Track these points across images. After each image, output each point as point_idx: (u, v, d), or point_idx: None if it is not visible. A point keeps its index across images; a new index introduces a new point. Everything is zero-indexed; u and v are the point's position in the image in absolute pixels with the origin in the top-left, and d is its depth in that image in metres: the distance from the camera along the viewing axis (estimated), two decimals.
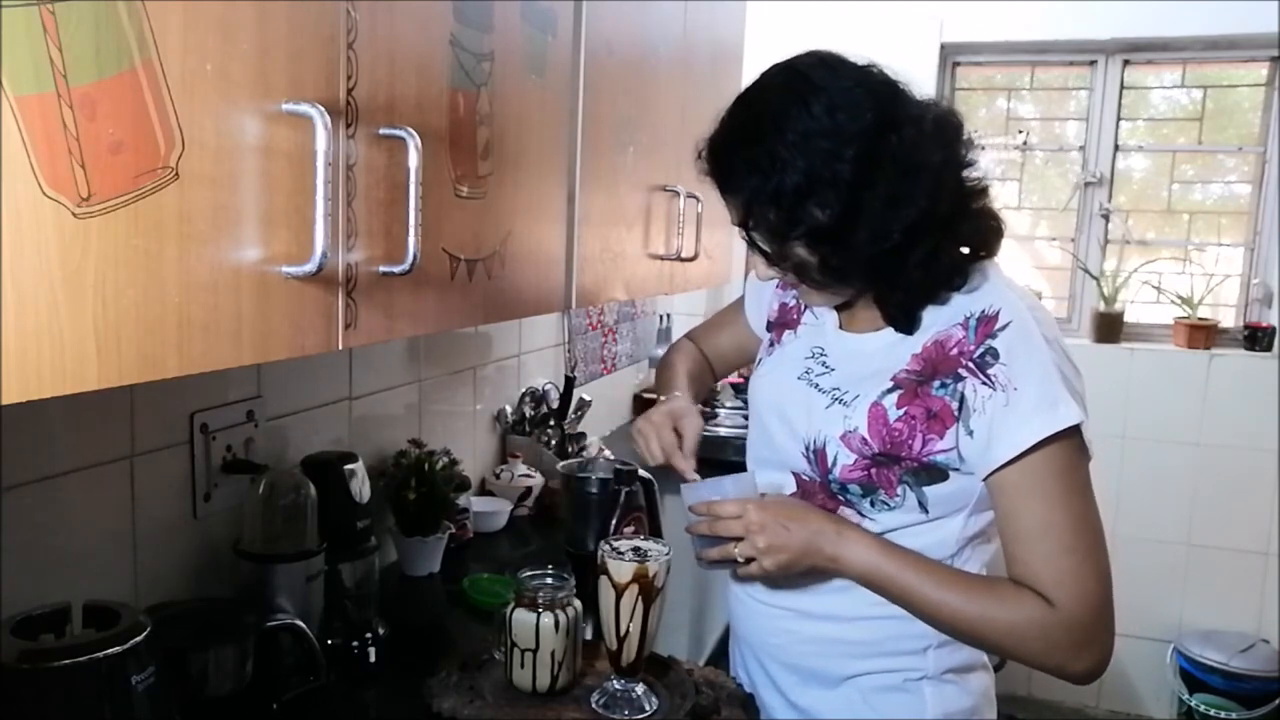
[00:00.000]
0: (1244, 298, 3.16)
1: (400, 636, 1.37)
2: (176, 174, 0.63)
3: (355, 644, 1.28)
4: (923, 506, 1.04)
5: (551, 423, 2.21)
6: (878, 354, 1.06)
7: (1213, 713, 2.93)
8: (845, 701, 1.12)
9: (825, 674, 1.12)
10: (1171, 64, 3.15)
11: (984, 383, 0.97)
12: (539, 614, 1.11)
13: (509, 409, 2.17)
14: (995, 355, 0.98)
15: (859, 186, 0.93)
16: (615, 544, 1.12)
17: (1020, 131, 3.29)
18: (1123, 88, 3.16)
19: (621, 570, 1.08)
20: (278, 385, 1.42)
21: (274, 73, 0.71)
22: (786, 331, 1.21)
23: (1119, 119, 3.18)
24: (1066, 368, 0.99)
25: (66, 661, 0.83)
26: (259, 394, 1.38)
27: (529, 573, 1.17)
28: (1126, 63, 3.14)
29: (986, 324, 0.99)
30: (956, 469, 1.01)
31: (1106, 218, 3.22)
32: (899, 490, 1.03)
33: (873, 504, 1.05)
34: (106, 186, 0.58)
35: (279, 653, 1.15)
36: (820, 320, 1.17)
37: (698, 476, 1.14)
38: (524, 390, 2.24)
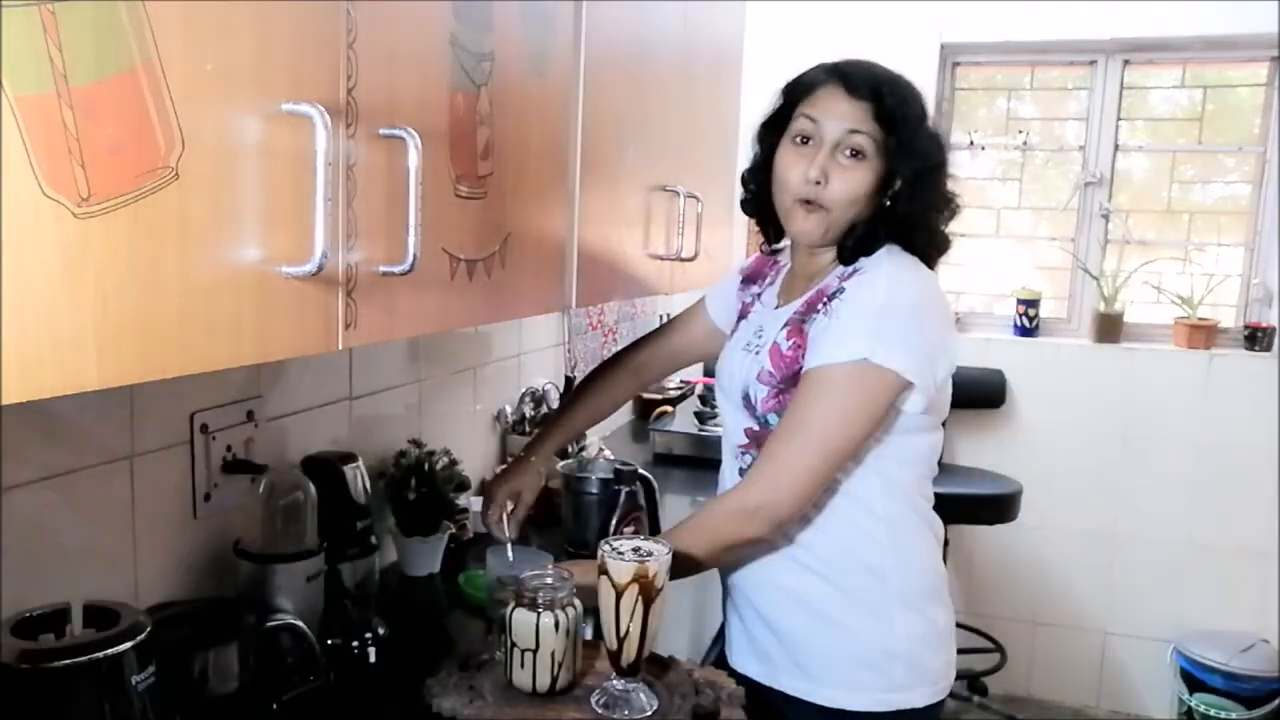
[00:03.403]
0: (1244, 298, 3.16)
1: (400, 636, 1.37)
2: (176, 174, 0.63)
3: (355, 644, 1.28)
4: None
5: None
6: (785, 313, 1.28)
7: (1213, 713, 2.93)
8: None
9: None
10: (1171, 64, 3.15)
11: (824, 314, 1.19)
12: (539, 614, 1.11)
13: (509, 409, 2.17)
14: (841, 293, 1.20)
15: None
16: (615, 544, 1.12)
17: (1020, 131, 3.29)
18: (1123, 88, 3.16)
19: (621, 570, 1.08)
20: (278, 385, 1.42)
21: (274, 73, 0.71)
22: (741, 321, 1.42)
23: (1119, 119, 3.18)
24: (898, 322, 1.17)
25: (66, 661, 0.83)
26: (259, 394, 1.38)
27: (529, 573, 1.16)
28: (1126, 63, 3.14)
29: (852, 273, 1.22)
30: None
31: (1106, 218, 3.22)
32: None
33: None
34: (106, 186, 0.58)
35: (279, 653, 1.15)
36: (764, 305, 1.38)
37: (508, 545, 1.43)
38: (524, 390, 2.24)
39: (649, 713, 1.10)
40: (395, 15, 0.85)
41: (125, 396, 1.15)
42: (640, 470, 1.43)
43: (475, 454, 2.04)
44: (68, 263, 0.56)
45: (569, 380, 2.30)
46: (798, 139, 1.23)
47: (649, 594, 1.08)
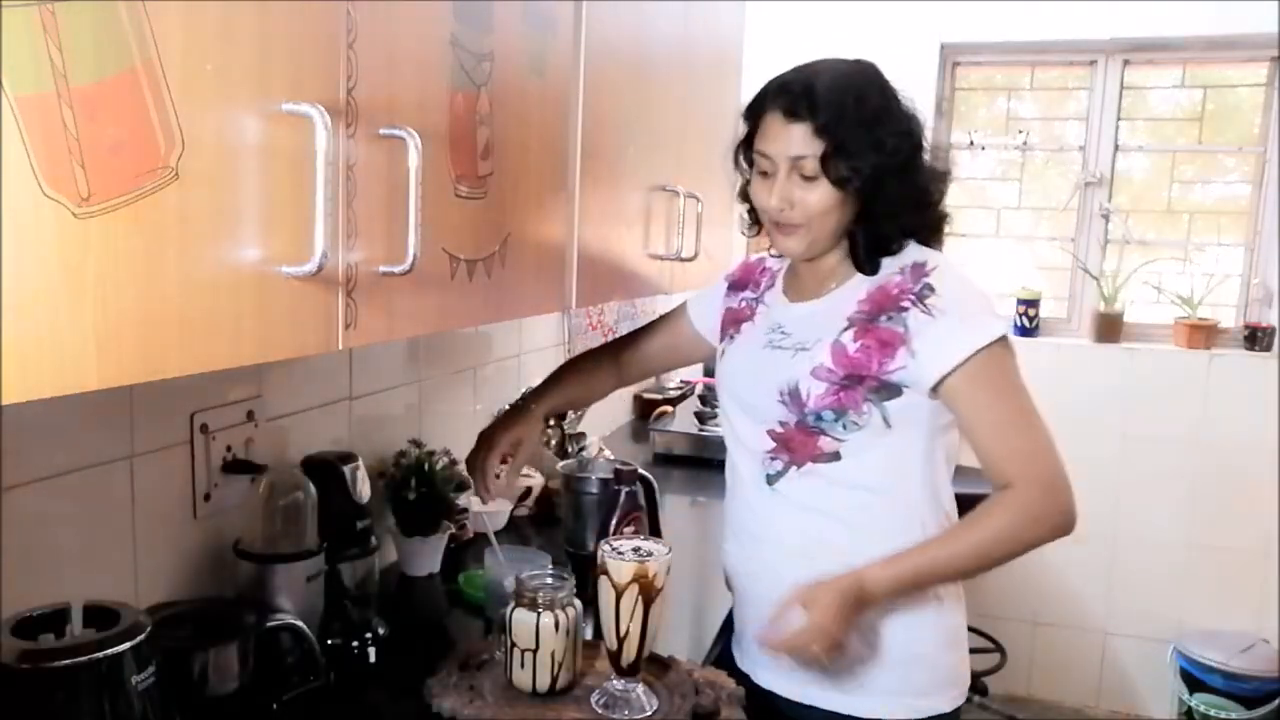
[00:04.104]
0: (1244, 298, 3.16)
1: (400, 636, 1.37)
2: (176, 174, 0.63)
3: (355, 644, 1.28)
4: (885, 421, 1.20)
5: (551, 423, 2.21)
6: (824, 310, 1.26)
7: (1213, 713, 2.93)
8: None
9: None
10: (1171, 64, 3.15)
11: (923, 312, 1.17)
12: (539, 614, 1.11)
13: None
14: (931, 289, 1.18)
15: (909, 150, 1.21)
16: (615, 544, 1.12)
17: (1020, 131, 3.29)
18: (1123, 88, 3.16)
19: (621, 570, 1.08)
20: (278, 385, 1.42)
21: (274, 73, 0.71)
22: (743, 324, 1.39)
23: (1119, 119, 3.18)
24: (984, 298, 1.22)
25: (66, 661, 0.83)
26: (259, 394, 1.38)
27: (529, 572, 1.16)
28: (1126, 63, 3.14)
29: (919, 269, 1.21)
30: (909, 386, 1.18)
31: (1106, 218, 3.22)
32: (865, 407, 1.19)
33: (844, 426, 1.20)
34: (106, 186, 0.58)
35: (279, 653, 1.15)
36: (771, 306, 1.36)
37: (488, 506, 1.46)
38: (524, 390, 2.23)
39: (649, 713, 1.10)
40: (395, 15, 0.85)
41: (125, 396, 1.15)
42: (640, 470, 1.43)
43: None
44: (68, 263, 0.56)
45: None
46: (760, 172, 1.24)
47: (649, 594, 1.08)
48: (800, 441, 1.23)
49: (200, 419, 1.27)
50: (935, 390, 1.17)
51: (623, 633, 1.09)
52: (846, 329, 1.22)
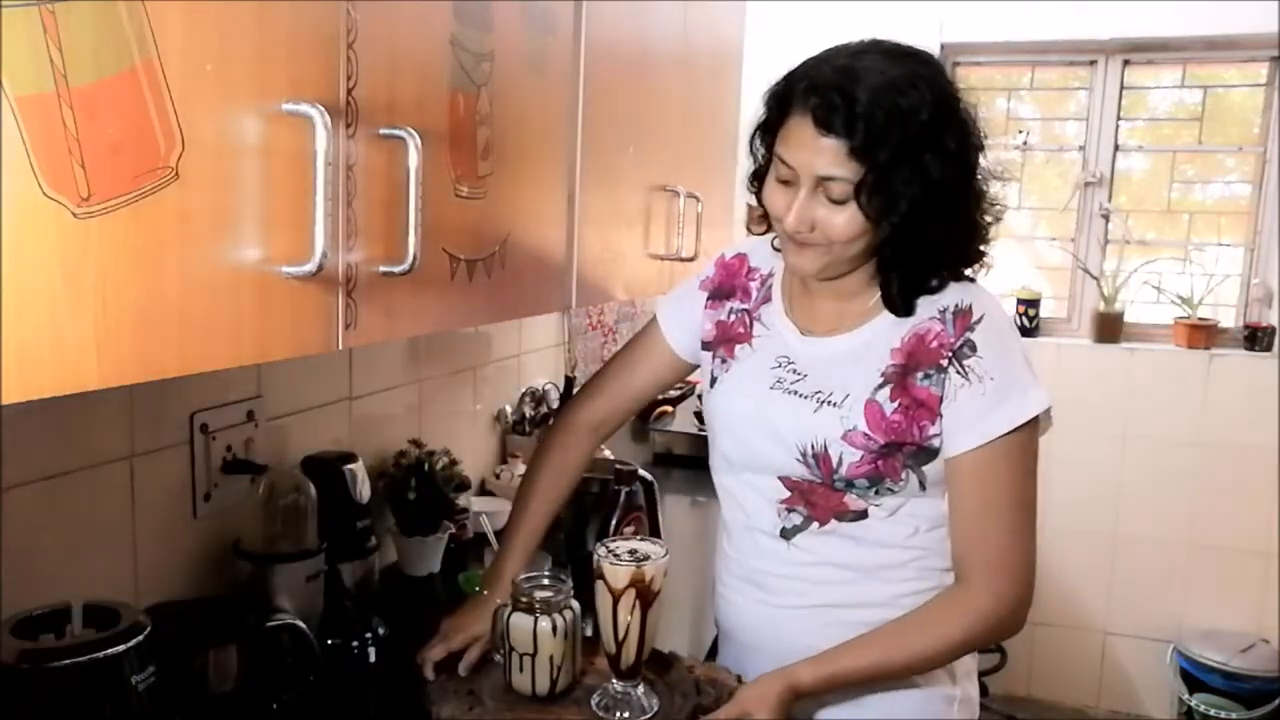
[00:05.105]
0: (1244, 298, 3.16)
1: (400, 636, 1.37)
2: (176, 174, 0.63)
3: (355, 644, 1.28)
4: (922, 484, 1.10)
5: (551, 423, 2.21)
6: (848, 354, 1.11)
7: (1213, 713, 2.93)
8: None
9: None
10: (1171, 64, 3.15)
11: (959, 373, 1.05)
12: (536, 618, 1.11)
13: (509, 409, 2.17)
14: (973, 348, 1.06)
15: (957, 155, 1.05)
16: (611, 547, 1.11)
17: (1020, 131, 3.29)
18: (1123, 88, 3.16)
19: (618, 575, 1.07)
20: (278, 385, 1.42)
21: (274, 73, 0.71)
22: (738, 346, 1.20)
23: (1119, 119, 3.18)
24: (1024, 356, 1.09)
25: (66, 661, 0.83)
26: (259, 394, 1.38)
27: (524, 575, 1.16)
28: (1126, 63, 3.14)
29: (963, 317, 1.07)
30: (939, 449, 1.08)
31: (1106, 218, 3.22)
32: (903, 475, 1.08)
33: (878, 492, 1.09)
34: (106, 186, 0.58)
35: (279, 653, 1.14)
36: (774, 330, 1.18)
37: (488, 506, 1.37)
38: (524, 390, 2.24)
39: (649, 714, 1.10)
40: (395, 15, 0.85)
41: (125, 396, 1.15)
42: (640, 470, 1.43)
43: (475, 454, 2.04)
44: (68, 263, 0.56)
45: (569, 380, 2.30)
46: (777, 178, 1.06)
47: (646, 598, 1.07)
48: (822, 496, 1.11)
49: (200, 419, 1.27)
50: (949, 460, 1.07)
51: (621, 636, 1.09)
52: (882, 386, 1.07)
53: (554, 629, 1.10)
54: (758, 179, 1.13)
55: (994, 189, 1.12)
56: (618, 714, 1.10)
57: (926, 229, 1.03)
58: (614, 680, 1.12)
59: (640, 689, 1.12)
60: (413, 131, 0.84)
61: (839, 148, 0.98)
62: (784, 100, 1.05)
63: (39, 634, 0.88)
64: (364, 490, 1.45)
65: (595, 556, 1.10)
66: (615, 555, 1.09)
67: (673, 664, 1.21)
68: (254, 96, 0.69)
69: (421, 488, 1.62)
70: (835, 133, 0.98)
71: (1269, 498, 3.02)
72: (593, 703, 1.12)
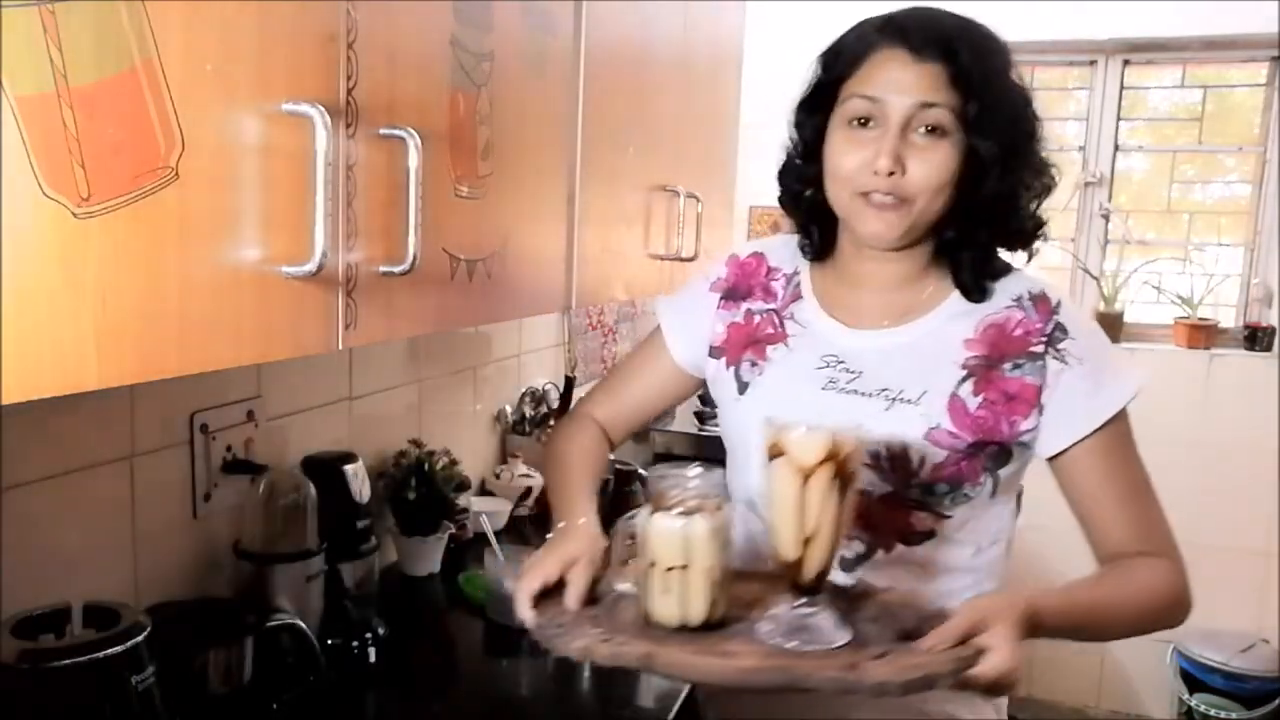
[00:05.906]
0: (1244, 298, 3.16)
1: (400, 636, 1.37)
2: (176, 174, 0.63)
3: (355, 644, 1.28)
4: (994, 490, 1.02)
5: (551, 422, 2.21)
6: (914, 347, 1.02)
7: (1213, 713, 2.93)
8: None
9: None
10: (1171, 64, 3.15)
11: (1056, 358, 0.98)
12: (688, 519, 0.84)
13: (509, 409, 2.17)
14: (1065, 331, 0.99)
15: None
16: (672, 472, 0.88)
17: None
18: (1122, 88, 3.16)
19: (808, 448, 0.81)
20: (278, 385, 1.42)
21: (274, 73, 0.71)
22: (770, 347, 1.08)
23: (1119, 119, 3.18)
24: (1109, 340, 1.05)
25: (66, 661, 0.84)
26: (259, 394, 1.38)
27: (661, 470, 0.91)
28: (1126, 63, 3.14)
29: (1043, 302, 1.01)
30: (1027, 447, 1.01)
31: (1106, 218, 3.22)
32: (982, 478, 1.00)
33: (953, 500, 1.00)
34: (106, 186, 0.58)
35: (279, 653, 1.15)
36: (811, 328, 1.07)
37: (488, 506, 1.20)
38: (524, 390, 2.24)
39: (842, 643, 0.83)
40: (395, 15, 0.85)
41: (125, 396, 1.15)
42: (640, 470, 1.43)
43: (475, 454, 2.04)
44: (68, 263, 0.56)
45: (569, 380, 2.30)
46: (854, 122, 0.96)
47: (846, 477, 0.83)
48: (887, 518, 1.00)
49: (200, 419, 1.27)
50: (1053, 456, 1.00)
51: (810, 531, 0.83)
52: (965, 379, 0.99)
53: (713, 533, 0.84)
54: (804, 157, 1.04)
55: (1049, 163, 1.09)
56: (800, 642, 0.83)
57: (1004, 177, 0.98)
58: (787, 603, 0.85)
59: (828, 610, 0.86)
60: (413, 131, 0.84)
61: (939, 73, 0.93)
62: (857, 46, 0.97)
63: (39, 634, 0.88)
64: (364, 490, 1.45)
65: (769, 430, 0.85)
66: (791, 431, 0.84)
67: (845, 589, 0.95)
68: (254, 96, 0.69)
69: (421, 488, 1.62)
70: (932, 57, 0.93)
71: (1269, 498, 3.02)
72: (762, 631, 0.84)
